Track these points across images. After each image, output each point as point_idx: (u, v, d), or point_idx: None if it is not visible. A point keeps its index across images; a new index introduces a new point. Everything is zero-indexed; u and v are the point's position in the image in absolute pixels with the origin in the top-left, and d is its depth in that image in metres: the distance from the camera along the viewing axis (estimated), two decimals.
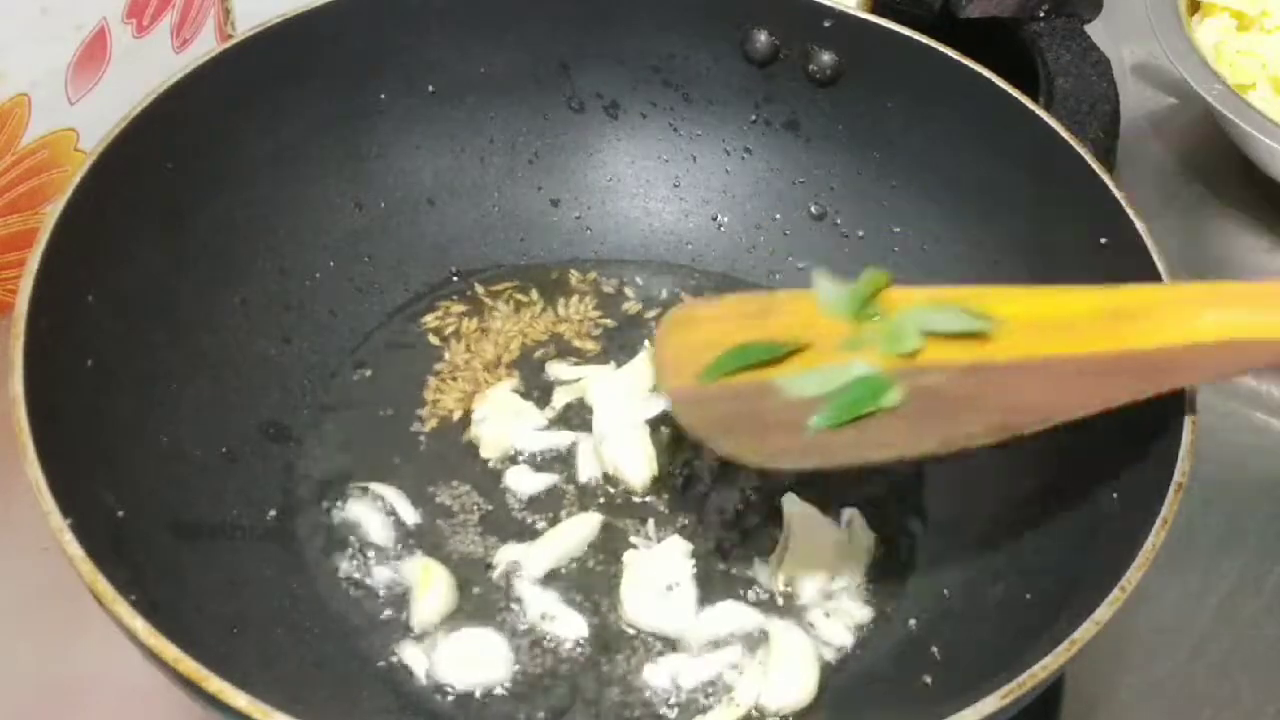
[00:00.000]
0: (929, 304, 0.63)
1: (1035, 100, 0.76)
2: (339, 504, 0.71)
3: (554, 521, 0.71)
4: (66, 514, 0.54)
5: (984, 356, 0.61)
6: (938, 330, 0.61)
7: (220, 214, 0.73)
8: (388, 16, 0.77)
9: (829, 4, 0.78)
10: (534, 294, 0.81)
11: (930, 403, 0.60)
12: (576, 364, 0.78)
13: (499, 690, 0.65)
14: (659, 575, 0.67)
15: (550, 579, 0.69)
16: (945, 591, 0.68)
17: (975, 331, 0.61)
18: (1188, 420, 0.60)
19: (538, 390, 0.77)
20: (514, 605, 0.68)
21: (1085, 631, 0.54)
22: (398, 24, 0.78)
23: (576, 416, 0.75)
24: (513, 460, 0.73)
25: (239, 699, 0.50)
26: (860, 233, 0.81)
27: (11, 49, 0.75)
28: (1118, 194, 0.70)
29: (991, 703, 0.52)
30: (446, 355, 0.78)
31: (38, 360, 0.59)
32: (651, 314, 0.81)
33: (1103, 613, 0.55)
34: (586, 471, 0.72)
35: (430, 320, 0.79)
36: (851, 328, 0.63)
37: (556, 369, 0.78)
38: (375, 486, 0.71)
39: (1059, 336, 0.60)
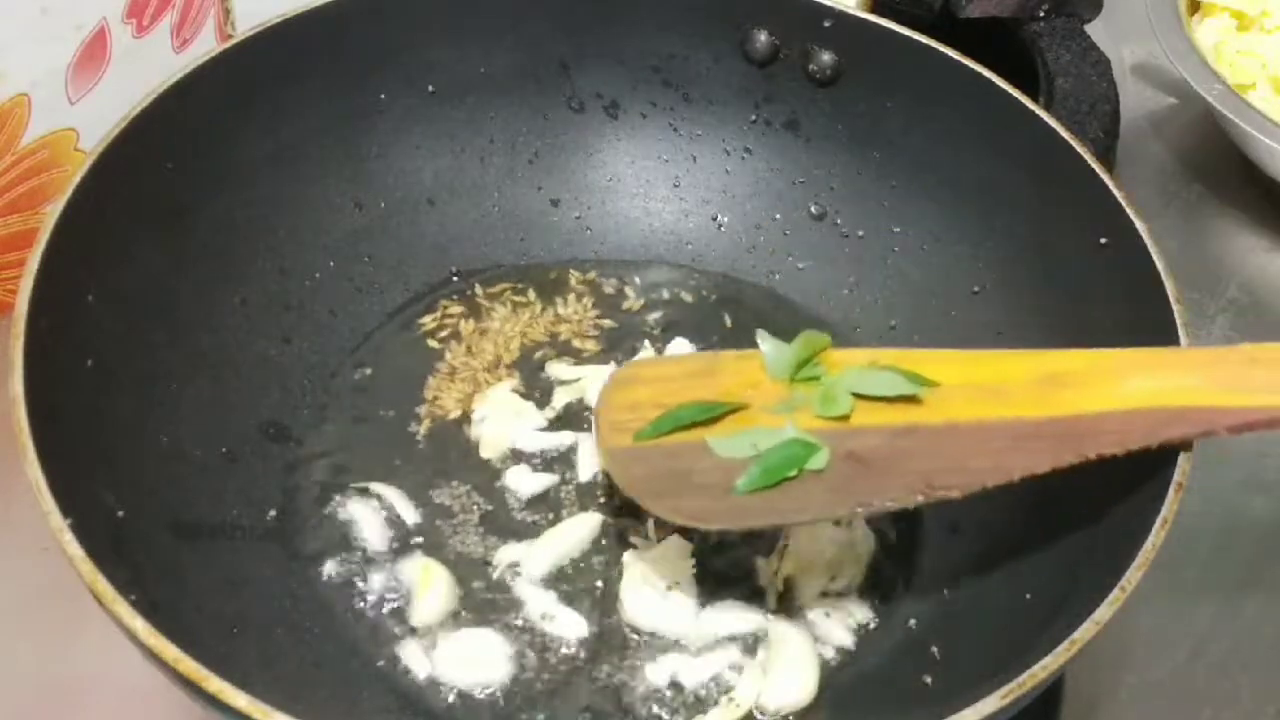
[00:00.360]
0: (866, 366, 0.64)
1: (1035, 100, 0.76)
2: (339, 504, 0.70)
3: (554, 521, 0.71)
4: (66, 514, 0.54)
5: (916, 419, 0.62)
6: (871, 393, 0.63)
7: (220, 214, 0.73)
8: (388, 16, 0.77)
9: (829, 4, 0.78)
10: (533, 294, 0.81)
11: (855, 466, 0.62)
12: (576, 364, 0.78)
13: (499, 690, 0.65)
14: (659, 575, 0.67)
15: (550, 579, 0.69)
16: (945, 591, 0.68)
17: (908, 395, 0.63)
18: None
19: (538, 390, 0.77)
20: (514, 605, 0.68)
21: (1085, 631, 0.54)
22: (398, 24, 0.78)
23: (576, 416, 0.75)
24: (513, 460, 0.73)
25: (239, 699, 0.50)
26: (860, 233, 0.81)
27: (11, 49, 0.75)
28: (1118, 194, 0.70)
29: (991, 703, 0.52)
30: (446, 355, 0.78)
31: (38, 360, 0.59)
32: (652, 314, 0.81)
33: (1103, 613, 0.55)
34: (586, 471, 0.72)
35: (430, 320, 0.79)
36: (789, 388, 0.65)
37: (556, 369, 0.78)
38: (375, 486, 0.71)
39: (990, 401, 0.62)
